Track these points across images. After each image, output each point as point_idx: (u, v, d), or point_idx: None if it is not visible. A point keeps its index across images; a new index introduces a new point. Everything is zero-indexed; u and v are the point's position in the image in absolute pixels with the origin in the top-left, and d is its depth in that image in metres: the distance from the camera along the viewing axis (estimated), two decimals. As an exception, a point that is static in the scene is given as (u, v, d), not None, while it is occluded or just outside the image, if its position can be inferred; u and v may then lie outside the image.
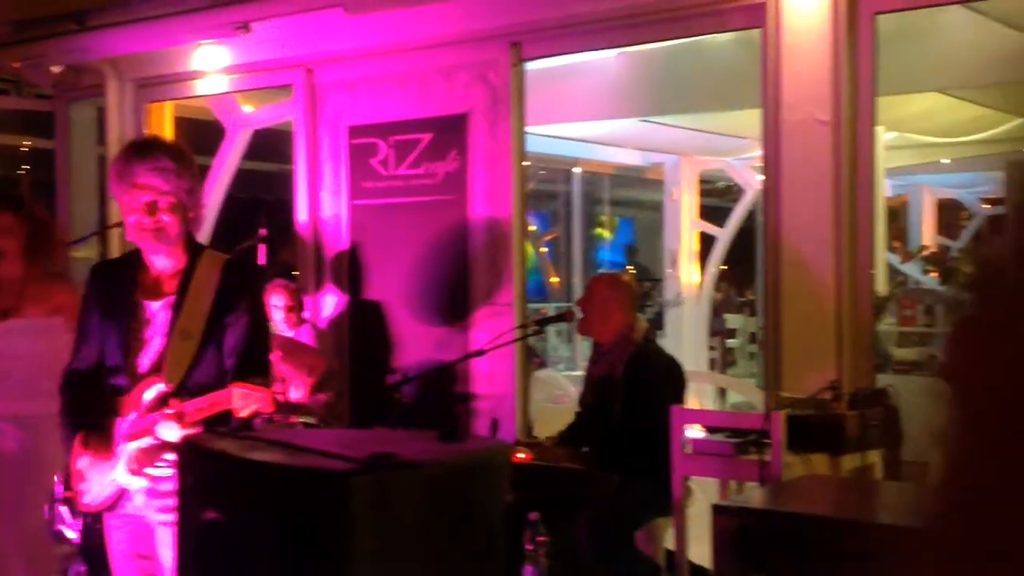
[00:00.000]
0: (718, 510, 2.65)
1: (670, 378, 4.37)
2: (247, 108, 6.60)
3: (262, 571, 1.97)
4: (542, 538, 3.07)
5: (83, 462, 2.98)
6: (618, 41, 5.62)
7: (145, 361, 2.94)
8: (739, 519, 2.59)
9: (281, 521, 1.96)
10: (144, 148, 2.99)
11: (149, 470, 2.92)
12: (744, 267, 13.40)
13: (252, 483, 2.02)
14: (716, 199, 12.25)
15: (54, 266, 4.02)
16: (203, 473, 2.14)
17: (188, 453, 2.22)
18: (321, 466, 1.98)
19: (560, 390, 7.35)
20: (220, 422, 2.71)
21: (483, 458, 2.22)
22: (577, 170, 12.75)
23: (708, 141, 8.95)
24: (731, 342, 12.43)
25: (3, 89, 7.43)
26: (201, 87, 6.42)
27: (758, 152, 5.03)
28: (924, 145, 9.44)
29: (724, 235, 9.86)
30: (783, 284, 4.50)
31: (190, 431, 2.72)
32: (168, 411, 2.77)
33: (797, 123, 4.46)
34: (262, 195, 8.52)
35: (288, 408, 4.99)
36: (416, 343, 5.55)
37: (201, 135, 7.34)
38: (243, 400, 2.64)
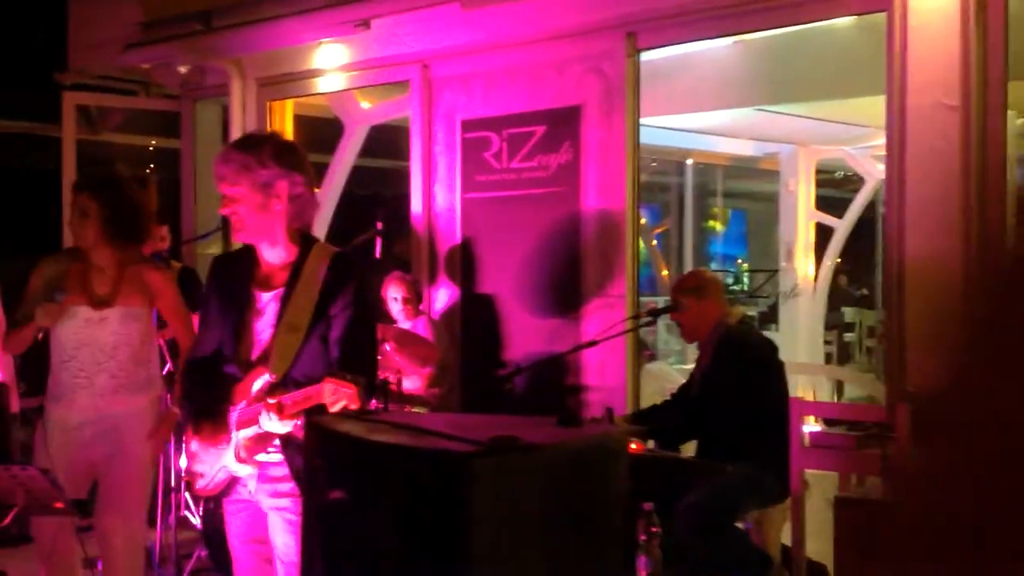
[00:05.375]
0: (841, 503, 2.58)
1: (758, 358, 4.31)
2: (365, 104, 6.71)
3: (385, 550, 2.01)
4: (656, 528, 3.05)
5: (195, 446, 3.09)
6: (735, 28, 5.50)
7: (255, 352, 3.02)
8: (865, 512, 2.53)
9: (405, 501, 2.00)
10: (233, 144, 3.10)
11: (259, 456, 3.01)
12: (859, 259, 13.03)
13: (377, 464, 2.06)
14: (833, 189, 11.96)
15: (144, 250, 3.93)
16: (328, 454, 2.19)
17: (314, 434, 2.28)
18: (445, 448, 2.01)
19: (670, 383, 7.27)
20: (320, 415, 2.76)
21: (602, 443, 2.22)
22: (689, 162, 12.60)
23: (826, 130, 8.74)
24: (848, 336, 12.14)
25: (132, 90, 7.70)
26: (321, 85, 6.56)
27: (879, 140, 4.88)
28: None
29: (842, 226, 9.62)
30: (907, 276, 4.37)
31: (290, 422, 2.79)
32: (270, 402, 2.84)
33: (924, 109, 4.32)
34: (380, 191, 8.67)
35: (402, 399, 5.07)
36: (528, 335, 5.57)
37: (320, 132, 7.51)
38: (332, 395, 2.68)
